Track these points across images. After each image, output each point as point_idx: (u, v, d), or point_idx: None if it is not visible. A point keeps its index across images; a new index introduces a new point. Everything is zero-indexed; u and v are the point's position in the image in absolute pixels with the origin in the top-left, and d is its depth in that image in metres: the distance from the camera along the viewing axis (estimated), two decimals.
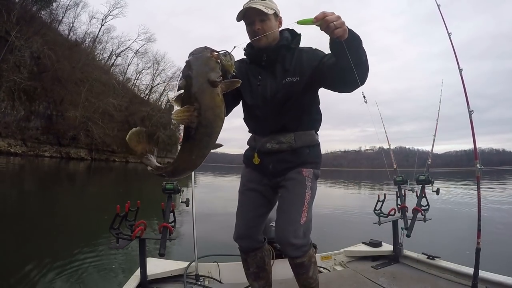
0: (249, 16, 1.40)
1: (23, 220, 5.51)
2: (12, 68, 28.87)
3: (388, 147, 3.22)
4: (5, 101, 28.99)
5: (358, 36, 1.12)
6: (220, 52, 1.06)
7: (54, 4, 38.02)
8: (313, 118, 1.54)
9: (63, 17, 40.90)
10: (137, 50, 52.23)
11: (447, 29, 2.11)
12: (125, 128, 43.75)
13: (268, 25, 1.39)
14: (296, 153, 1.47)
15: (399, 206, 2.67)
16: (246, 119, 1.64)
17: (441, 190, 2.77)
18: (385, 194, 2.69)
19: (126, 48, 50.89)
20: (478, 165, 1.96)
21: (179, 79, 1.05)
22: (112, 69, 50.50)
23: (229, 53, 1.10)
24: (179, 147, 2.26)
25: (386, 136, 3.09)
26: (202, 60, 1.01)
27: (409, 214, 2.62)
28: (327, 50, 1.27)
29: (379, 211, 2.65)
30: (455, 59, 2.10)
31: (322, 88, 1.47)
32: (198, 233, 2.31)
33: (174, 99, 1.01)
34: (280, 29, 1.48)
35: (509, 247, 4.64)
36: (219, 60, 1.04)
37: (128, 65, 53.55)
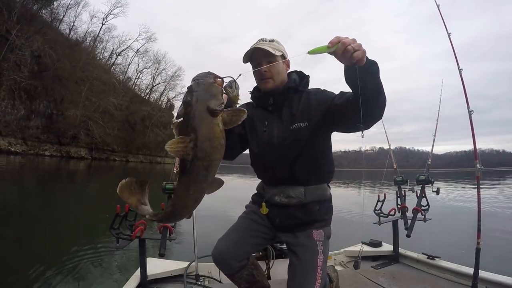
0: (256, 57, 1.36)
1: (23, 219, 5.51)
2: (13, 67, 28.88)
3: (388, 147, 3.22)
4: (6, 100, 28.99)
5: (375, 62, 1.01)
6: (224, 78, 1.00)
7: (55, 3, 38.11)
8: (326, 170, 1.44)
9: (63, 16, 40.99)
10: (137, 50, 52.39)
11: (446, 29, 2.12)
12: (125, 128, 43.96)
13: (276, 67, 1.34)
14: (305, 209, 1.38)
15: (399, 206, 2.68)
16: (253, 166, 1.54)
17: (441, 190, 2.77)
18: (385, 194, 2.69)
19: (127, 48, 51.04)
20: (478, 165, 1.97)
21: (180, 106, 0.99)
22: (112, 68, 50.56)
23: (235, 81, 1.04)
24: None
25: (387, 136, 3.09)
26: (204, 86, 0.95)
27: (409, 214, 2.63)
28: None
29: (379, 211, 2.65)
30: (455, 59, 2.10)
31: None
32: (198, 233, 2.31)
33: (173, 126, 0.95)
34: (287, 71, 1.44)
35: (509, 247, 4.64)
36: (222, 87, 0.98)
37: (129, 65, 53.72)
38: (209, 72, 1.00)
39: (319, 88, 1.41)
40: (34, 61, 32.02)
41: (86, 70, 39.22)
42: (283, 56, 1.36)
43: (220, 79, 0.99)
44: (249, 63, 1.41)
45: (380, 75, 1.04)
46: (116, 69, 51.68)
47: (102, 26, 46.00)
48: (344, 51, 0.92)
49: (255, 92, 1.48)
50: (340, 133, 1.35)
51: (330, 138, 1.43)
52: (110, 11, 45.44)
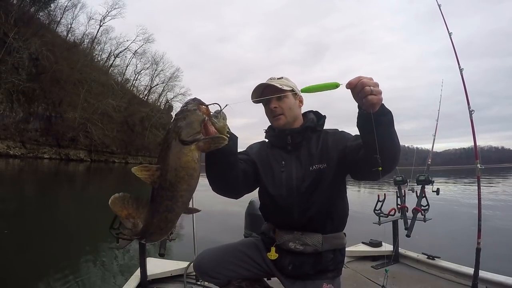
0: (265, 96, 1.32)
1: (24, 221, 5.50)
2: (11, 70, 28.87)
3: None
4: (4, 103, 28.95)
5: (389, 111, 0.97)
6: (209, 106, 0.95)
7: (52, 5, 38.13)
8: (343, 215, 1.37)
9: (61, 18, 41.02)
10: (135, 51, 52.39)
11: (448, 29, 2.10)
12: (124, 129, 43.91)
13: (286, 103, 1.31)
14: (319, 257, 1.30)
15: (399, 206, 2.67)
16: (264, 209, 1.46)
17: (441, 189, 2.78)
18: (385, 194, 2.69)
19: (125, 49, 50.97)
20: (478, 164, 1.96)
21: None
22: (110, 70, 50.49)
23: (221, 110, 0.98)
24: None
25: None
26: (183, 113, 0.90)
27: (409, 214, 2.62)
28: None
29: (379, 211, 2.64)
30: (455, 58, 2.09)
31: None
32: (198, 233, 2.31)
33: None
34: (301, 108, 1.41)
35: (509, 247, 4.65)
36: (206, 116, 0.93)
37: (127, 66, 53.74)
38: (194, 98, 0.96)
39: (337, 129, 1.37)
40: (32, 64, 31.98)
41: (84, 72, 39.23)
42: (294, 91, 1.33)
43: (205, 106, 0.94)
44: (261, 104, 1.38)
45: (395, 128, 1.02)
46: (114, 71, 51.76)
47: (99, 28, 46.07)
48: (361, 90, 0.90)
49: (270, 132, 1.43)
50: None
51: (345, 182, 1.37)
52: (107, 13, 45.51)
